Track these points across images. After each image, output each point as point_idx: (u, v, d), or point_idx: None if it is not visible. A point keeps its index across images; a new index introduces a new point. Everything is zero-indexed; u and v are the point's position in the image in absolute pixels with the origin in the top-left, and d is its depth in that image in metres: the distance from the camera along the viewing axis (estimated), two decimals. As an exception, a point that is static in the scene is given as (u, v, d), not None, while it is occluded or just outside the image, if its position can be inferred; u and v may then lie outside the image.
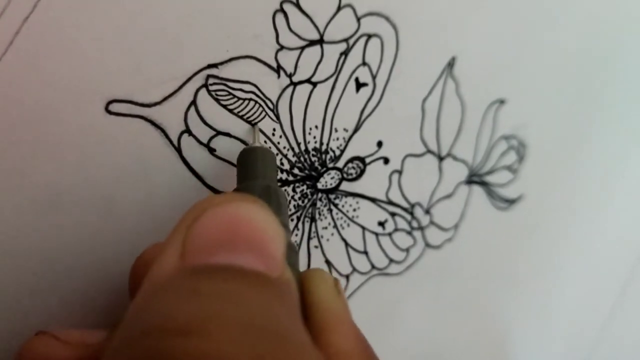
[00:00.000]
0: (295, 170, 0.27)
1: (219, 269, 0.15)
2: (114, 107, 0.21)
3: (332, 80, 0.27)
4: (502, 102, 0.34)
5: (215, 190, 0.25)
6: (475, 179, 0.36)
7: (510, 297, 0.43)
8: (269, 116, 0.25)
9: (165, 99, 0.22)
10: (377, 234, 0.32)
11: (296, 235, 0.29)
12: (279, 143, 0.26)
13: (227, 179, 0.25)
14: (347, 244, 0.31)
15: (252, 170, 0.23)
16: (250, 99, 0.25)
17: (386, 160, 0.30)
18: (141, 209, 0.24)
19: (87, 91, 0.21)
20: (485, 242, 0.38)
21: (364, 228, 0.31)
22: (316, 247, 0.30)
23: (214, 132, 0.24)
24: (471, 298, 0.40)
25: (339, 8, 0.25)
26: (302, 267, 0.30)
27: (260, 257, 0.16)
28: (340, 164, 0.29)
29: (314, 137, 0.27)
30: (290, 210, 0.28)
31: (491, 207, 0.38)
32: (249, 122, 0.25)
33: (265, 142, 0.26)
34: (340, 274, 0.32)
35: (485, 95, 0.33)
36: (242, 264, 0.15)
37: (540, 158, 0.38)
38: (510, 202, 0.39)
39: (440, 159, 0.33)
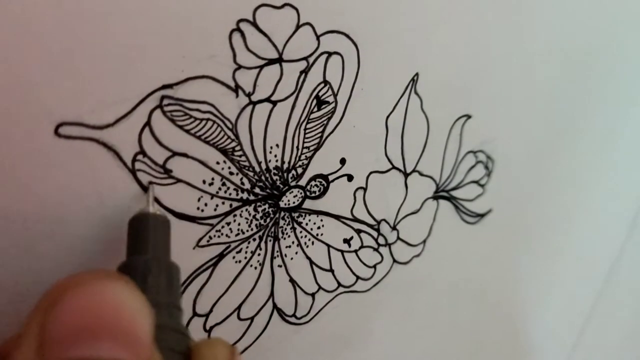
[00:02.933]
0: (257, 190, 0.27)
1: None
2: (64, 130, 0.21)
3: (292, 98, 0.26)
4: (468, 117, 0.34)
5: (171, 212, 0.25)
6: (442, 194, 0.36)
7: (481, 311, 0.43)
8: (228, 135, 0.25)
9: (118, 120, 0.22)
10: (342, 252, 0.32)
11: (259, 255, 0.29)
12: (238, 162, 0.26)
13: (185, 200, 0.25)
14: (311, 262, 0.31)
15: (142, 242, 0.21)
16: (207, 119, 0.24)
17: (350, 177, 0.30)
18: (95, 232, 0.23)
19: (35, 114, 0.20)
20: (454, 257, 0.38)
21: (329, 246, 0.31)
22: (280, 266, 0.30)
23: (170, 153, 0.24)
24: (441, 313, 0.40)
25: (298, 26, 0.25)
26: (266, 286, 0.30)
27: (124, 344, 0.14)
28: (302, 182, 0.29)
29: (275, 156, 0.27)
30: (252, 229, 0.28)
31: (460, 222, 0.38)
32: (205, 141, 0.24)
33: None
34: (306, 293, 0.31)
35: (450, 110, 0.33)
36: (105, 355, 0.14)
37: (508, 172, 0.38)
38: (479, 216, 0.39)
39: (406, 175, 0.33)
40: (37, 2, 0.19)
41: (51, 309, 0.14)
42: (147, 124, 0.23)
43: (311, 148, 0.28)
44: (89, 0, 0.20)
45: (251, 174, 0.26)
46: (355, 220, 0.32)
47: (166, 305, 0.20)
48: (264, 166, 0.27)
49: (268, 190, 0.27)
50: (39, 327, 0.14)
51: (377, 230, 0.33)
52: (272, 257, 0.29)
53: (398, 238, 0.34)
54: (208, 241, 0.26)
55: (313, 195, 0.29)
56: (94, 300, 0.14)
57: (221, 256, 0.27)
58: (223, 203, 0.26)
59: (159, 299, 0.19)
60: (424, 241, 0.36)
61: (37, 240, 0.22)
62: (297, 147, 0.27)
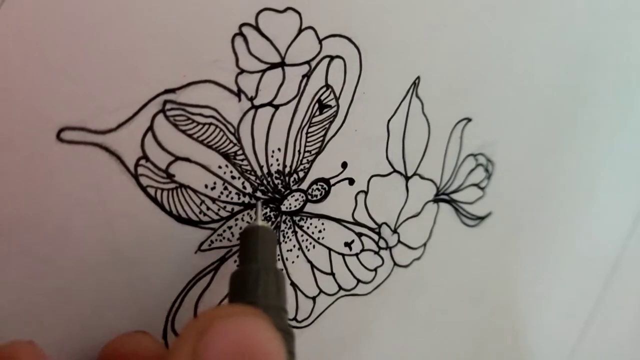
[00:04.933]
0: (258, 194, 0.27)
1: None
2: (66, 135, 0.21)
3: (294, 102, 0.26)
4: (468, 120, 0.34)
5: (173, 216, 0.25)
6: (443, 197, 0.36)
7: (481, 314, 0.43)
8: (230, 140, 0.25)
9: (120, 125, 0.22)
10: (343, 255, 0.32)
11: (260, 258, 0.29)
12: (240, 166, 0.26)
13: (187, 205, 0.25)
14: (313, 266, 0.31)
15: (253, 252, 0.24)
16: (210, 124, 0.24)
17: (351, 181, 0.30)
18: (98, 237, 0.23)
19: (38, 119, 0.20)
20: (454, 260, 0.38)
21: (330, 249, 0.31)
22: (281, 269, 0.30)
23: (172, 158, 0.24)
24: (442, 316, 0.40)
25: (300, 30, 0.25)
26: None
27: None
28: (304, 186, 0.29)
29: (277, 160, 0.27)
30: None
31: (460, 225, 0.38)
32: (207, 146, 0.24)
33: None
34: (307, 296, 0.31)
35: (451, 114, 0.33)
36: None
37: (509, 174, 0.38)
38: (479, 219, 0.39)
39: (407, 178, 0.33)
40: (39, 7, 0.19)
41: (201, 335, 0.16)
42: (150, 128, 0.23)
43: (313, 152, 0.28)
44: (92, 5, 0.20)
45: (253, 178, 0.26)
46: (357, 223, 0.32)
47: (275, 308, 0.22)
48: (265, 170, 0.27)
49: (270, 194, 0.27)
50: (192, 349, 0.16)
51: (378, 233, 0.33)
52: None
53: (399, 241, 0.34)
54: (210, 245, 0.26)
55: (314, 199, 0.29)
56: (241, 337, 0.17)
57: (223, 260, 0.27)
58: (225, 207, 0.26)
59: (268, 302, 0.22)
60: (425, 244, 0.36)
61: (39, 245, 0.22)
62: (299, 151, 0.27)
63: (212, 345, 0.16)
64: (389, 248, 0.34)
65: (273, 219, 0.28)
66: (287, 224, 0.29)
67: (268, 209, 0.28)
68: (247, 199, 0.27)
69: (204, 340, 0.16)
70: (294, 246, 0.30)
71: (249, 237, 0.25)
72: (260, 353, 0.17)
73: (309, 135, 0.27)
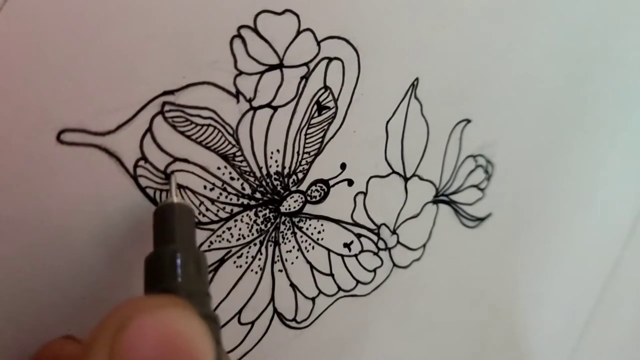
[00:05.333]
0: (257, 195, 0.27)
1: None
2: (66, 137, 0.21)
3: (293, 104, 0.26)
4: (468, 121, 0.34)
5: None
6: (442, 198, 0.36)
7: (481, 315, 0.43)
8: (229, 141, 0.25)
9: (119, 126, 0.22)
10: (342, 256, 0.32)
11: (259, 259, 0.29)
12: (239, 168, 0.26)
13: (186, 206, 0.25)
14: (312, 267, 0.31)
15: (169, 232, 0.22)
16: (209, 125, 0.24)
17: (350, 182, 0.30)
18: (97, 238, 0.23)
19: (37, 121, 0.20)
20: (454, 261, 0.38)
21: (329, 250, 0.31)
22: (280, 271, 0.30)
23: (171, 159, 0.24)
24: (441, 317, 0.40)
25: (299, 32, 0.25)
26: (267, 291, 0.30)
27: None
28: (303, 187, 0.29)
29: (276, 161, 0.27)
30: (252, 234, 0.28)
31: (459, 226, 0.38)
32: (206, 147, 0.25)
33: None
34: (306, 297, 0.31)
35: (450, 115, 0.33)
36: None
37: (508, 176, 0.38)
38: (479, 220, 0.39)
39: (406, 179, 0.33)
40: (39, 8, 0.19)
41: (120, 332, 0.15)
42: (149, 130, 0.23)
43: (312, 153, 0.28)
44: (91, 7, 0.20)
45: (252, 179, 0.27)
46: (356, 224, 0.32)
47: (197, 293, 0.20)
48: (264, 171, 0.27)
49: (269, 196, 0.28)
50: (108, 348, 0.15)
51: (377, 234, 0.33)
52: (273, 262, 0.29)
53: (398, 242, 0.34)
54: (209, 246, 0.27)
55: (313, 200, 0.29)
56: (163, 334, 0.15)
57: (222, 261, 0.27)
58: (224, 208, 0.26)
59: (190, 287, 0.20)
60: (424, 245, 0.36)
61: (38, 246, 0.22)
62: (298, 153, 0.28)
63: (131, 343, 0.15)
64: (388, 249, 0.34)
65: (272, 220, 0.28)
66: (286, 225, 0.29)
67: (267, 210, 0.28)
68: (246, 200, 0.27)
69: (121, 338, 0.15)
70: (294, 247, 0.30)
71: (164, 216, 0.22)
72: (185, 349, 0.15)
73: (307, 136, 0.28)
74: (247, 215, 0.27)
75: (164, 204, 0.23)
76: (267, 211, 0.28)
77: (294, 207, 0.29)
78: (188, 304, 0.16)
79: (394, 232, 0.34)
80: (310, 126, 0.27)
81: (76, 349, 0.22)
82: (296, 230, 0.29)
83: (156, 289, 0.20)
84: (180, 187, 0.25)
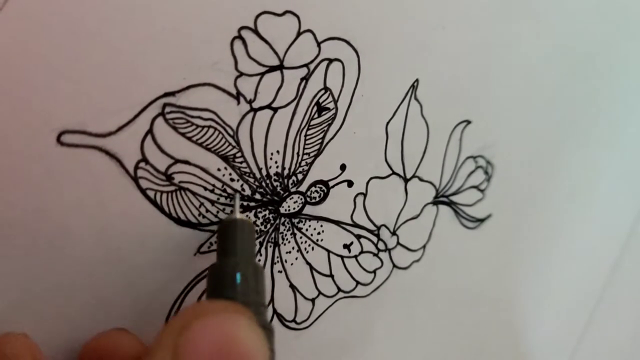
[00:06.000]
0: (257, 196, 0.27)
1: None
2: (66, 138, 0.21)
3: (293, 105, 0.26)
4: (468, 122, 0.34)
5: (172, 219, 0.25)
6: (442, 199, 0.36)
7: (481, 316, 0.43)
8: (229, 142, 0.25)
9: (120, 128, 0.22)
10: (342, 257, 0.32)
11: (259, 260, 0.29)
12: (239, 169, 0.26)
13: (186, 207, 0.25)
14: (312, 268, 0.31)
15: (231, 245, 0.23)
16: (209, 126, 0.24)
17: (350, 183, 0.30)
18: (97, 239, 0.23)
19: (37, 122, 0.20)
20: (453, 262, 0.38)
21: (329, 251, 0.31)
22: (280, 272, 0.30)
23: (172, 160, 0.24)
24: (441, 318, 0.40)
25: (299, 33, 0.25)
26: (266, 293, 0.30)
27: None
28: (303, 188, 0.29)
29: (276, 162, 0.27)
30: (252, 235, 0.28)
31: (459, 227, 0.38)
32: (207, 148, 0.25)
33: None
34: (306, 298, 0.31)
35: (450, 116, 0.33)
36: None
37: (508, 177, 0.38)
38: (479, 221, 0.39)
39: (406, 180, 0.33)
40: (39, 9, 0.19)
41: (183, 333, 0.16)
42: (150, 131, 0.23)
43: (311, 154, 0.28)
44: (91, 8, 0.20)
45: (252, 180, 0.27)
46: (355, 225, 0.32)
47: (254, 304, 0.21)
48: (264, 172, 0.27)
49: (268, 197, 0.28)
50: (172, 349, 0.16)
51: (377, 235, 0.33)
52: (273, 263, 0.29)
53: (398, 243, 0.34)
54: (209, 247, 0.27)
55: (313, 201, 0.29)
56: (224, 336, 0.16)
57: (222, 262, 0.27)
58: (224, 209, 0.26)
59: (248, 298, 0.21)
60: (424, 246, 0.36)
61: (39, 247, 0.22)
62: (298, 154, 0.28)
63: (193, 343, 0.16)
64: (388, 250, 0.34)
65: (272, 221, 0.28)
66: (286, 226, 0.29)
67: (267, 211, 0.28)
68: (246, 202, 0.27)
69: (184, 338, 0.16)
70: (293, 248, 0.30)
71: (227, 230, 0.24)
72: (242, 352, 0.16)
73: (307, 137, 0.28)
74: (247, 216, 0.27)
75: (227, 219, 0.24)
76: (267, 212, 0.28)
77: (294, 208, 0.29)
78: (247, 310, 0.18)
79: (393, 233, 0.34)
80: (310, 127, 0.27)
81: (133, 343, 0.23)
82: (296, 231, 0.29)
83: (216, 298, 0.22)
84: (180, 188, 0.25)
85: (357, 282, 0.33)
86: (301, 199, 0.29)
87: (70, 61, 0.20)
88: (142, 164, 0.23)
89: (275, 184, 0.27)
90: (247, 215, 0.27)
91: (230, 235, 0.24)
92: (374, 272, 0.34)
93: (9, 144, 0.20)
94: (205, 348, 0.16)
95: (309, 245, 0.30)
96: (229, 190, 0.26)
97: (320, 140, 0.28)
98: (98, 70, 0.21)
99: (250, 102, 0.25)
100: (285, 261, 0.30)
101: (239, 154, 0.26)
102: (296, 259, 0.30)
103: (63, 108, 0.21)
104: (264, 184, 0.27)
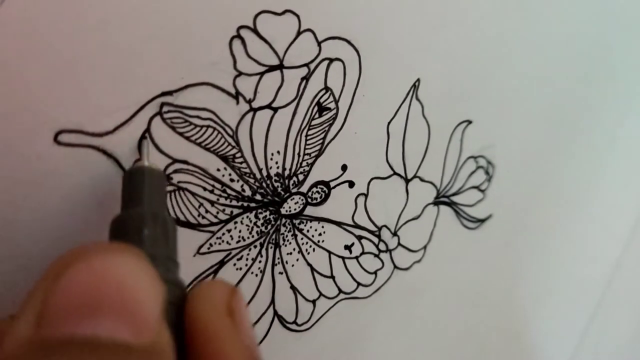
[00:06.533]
0: (258, 197, 0.27)
1: (75, 343, 0.13)
2: (64, 138, 0.21)
3: (293, 105, 0.26)
4: (469, 122, 0.34)
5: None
6: (443, 199, 0.35)
7: (482, 316, 0.42)
8: (228, 142, 0.25)
9: (117, 127, 0.22)
10: (343, 258, 0.32)
11: (260, 262, 0.28)
12: (239, 169, 0.26)
13: (185, 208, 0.25)
14: (312, 269, 0.31)
15: (137, 195, 0.21)
16: (208, 126, 0.24)
17: (351, 184, 0.30)
18: (94, 239, 0.23)
19: (34, 122, 0.20)
20: (454, 262, 0.38)
21: (330, 252, 0.31)
22: (281, 273, 0.29)
23: (170, 161, 0.24)
24: (442, 318, 0.40)
25: (299, 33, 0.25)
26: (267, 293, 0.29)
27: (128, 322, 0.13)
28: (304, 189, 0.28)
29: (276, 163, 0.27)
30: (253, 236, 0.28)
31: (460, 227, 0.38)
32: (206, 148, 0.24)
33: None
34: (307, 299, 0.31)
35: (451, 116, 0.33)
36: (105, 333, 0.13)
37: (509, 177, 0.38)
38: (480, 221, 0.38)
39: (407, 181, 0.33)
40: (37, 9, 0.19)
41: (53, 282, 0.13)
42: (147, 131, 0.23)
43: (312, 155, 0.28)
44: (89, 8, 0.20)
45: (252, 180, 0.26)
46: (356, 226, 0.31)
47: (162, 257, 0.19)
48: (265, 173, 0.27)
49: (269, 197, 0.27)
50: (40, 300, 0.13)
51: (378, 236, 0.33)
52: (273, 264, 0.29)
53: (399, 244, 0.34)
54: (209, 248, 0.26)
55: (314, 201, 0.29)
56: (98, 274, 0.14)
57: (222, 263, 0.27)
58: (224, 210, 0.26)
59: (155, 251, 0.19)
60: (425, 247, 0.36)
61: (36, 247, 0.22)
62: (299, 154, 0.27)
63: (61, 292, 0.13)
64: (389, 251, 0.34)
65: (273, 222, 0.28)
66: (287, 227, 0.29)
67: (268, 212, 0.28)
68: (246, 202, 0.27)
69: (54, 288, 0.13)
70: (294, 249, 0.29)
71: (132, 179, 0.21)
72: (123, 297, 0.14)
73: (308, 137, 0.27)
74: (247, 217, 0.27)
75: (134, 167, 0.22)
76: (268, 213, 0.28)
77: (295, 209, 0.29)
78: (139, 251, 0.15)
79: (394, 234, 0.33)
80: (311, 127, 0.27)
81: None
82: (297, 232, 0.29)
83: None
84: (179, 188, 0.24)
85: (358, 283, 0.33)
86: (302, 200, 0.29)
87: (68, 60, 0.20)
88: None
89: (276, 184, 0.27)
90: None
91: (137, 184, 0.21)
92: (375, 273, 0.34)
93: (5, 144, 0.20)
94: (75, 295, 0.13)
95: (310, 246, 0.30)
96: (229, 191, 0.26)
97: (321, 141, 0.28)
98: (95, 69, 0.21)
99: (249, 101, 0.25)
100: (286, 262, 0.29)
101: (238, 154, 0.25)
102: (297, 260, 0.30)
103: (60, 107, 0.20)
104: (264, 184, 0.27)
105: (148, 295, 0.14)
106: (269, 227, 0.28)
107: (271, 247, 0.29)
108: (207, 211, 0.26)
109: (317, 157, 0.28)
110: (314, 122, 0.27)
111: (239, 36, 0.23)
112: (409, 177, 0.33)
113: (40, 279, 0.14)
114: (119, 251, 0.14)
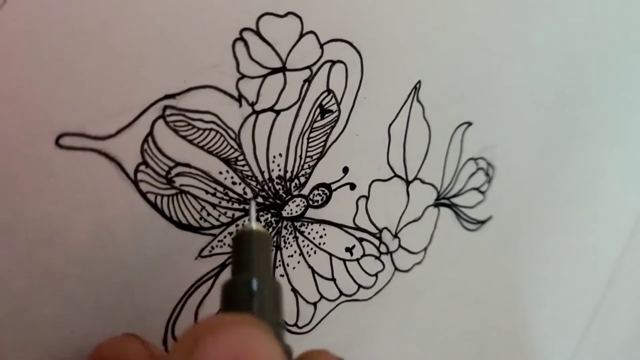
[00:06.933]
0: (259, 199, 0.27)
1: None
2: (65, 141, 0.21)
3: (295, 107, 0.26)
4: (469, 124, 0.34)
5: (173, 222, 0.24)
6: (443, 201, 0.35)
7: (482, 317, 0.43)
8: (231, 145, 0.25)
9: (120, 131, 0.22)
10: (344, 260, 0.32)
11: (261, 264, 0.28)
12: (241, 172, 0.26)
13: (187, 211, 0.25)
14: (314, 272, 0.31)
15: (246, 260, 0.22)
16: (210, 129, 0.24)
17: (352, 186, 0.30)
18: (97, 243, 0.23)
19: (36, 125, 0.20)
20: (455, 264, 0.38)
21: (331, 255, 0.31)
22: (282, 275, 0.29)
23: (173, 163, 0.24)
24: (443, 320, 0.40)
25: (301, 35, 0.25)
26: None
27: None
28: (305, 191, 0.28)
29: (278, 165, 0.27)
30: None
31: (460, 229, 0.37)
32: (208, 151, 0.24)
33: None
34: (308, 302, 0.31)
35: (452, 118, 0.33)
36: None
37: (509, 178, 0.38)
38: (480, 223, 0.38)
39: (408, 182, 0.33)
40: (39, 12, 0.19)
41: (194, 350, 0.15)
42: (150, 134, 0.22)
43: (314, 157, 0.28)
44: (92, 10, 0.20)
45: (254, 183, 0.26)
46: (358, 228, 0.31)
47: (272, 324, 0.19)
48: (266, 175, 0.27)
49: (271, 200, 0.27)
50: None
51: (379, 238, 0.33)
52: (275, 267, 0.29)
53: (399, 246, 0.34)
54: (210, 251, 0.26)
55: (316, 204, 0.29)
56: (235, 350, 0.15)
57: (223, 266, 0.27)
58: (225, 213, 0.26)
59: (265, 318, 0.19)
60: (425, 249, 0.36)
61: (38, 250, 0.22)
62: (300, 156, 0.27)
63: (206, 355, 0.15)
64: (389, 253, 0.34)
65: (274, 225, 0.28)
66: (288, 230, 0.29)
67: (269, 215, 0.28)
68: (248, 205, 0.26)
69: (197, 354, 0.15)
70: (295, 252, 0.29)
71: (241, 243, 0.22)
72: None
73: (310, 140, 0.27)
74: (263, 225, 0.27)
75: (242, 231, 0.23)
76: (269, 215, 0.28)
77: (296, 212, 0.28)
78: (262, 322, 0.17)
79: (395, 236, 0.33)
80: (312, 130, 0.27)
81: (142, 349, 0.23)
82: (298, 234, 0.29)
83: None
84: (181, 191, 0.24)
85: (359, 286, 0.33)
86: (304, 202, 0.28)
87: (70, 63, 0.20)
88: (142, 167, 0.23)
89: (277, 187, 0.27)
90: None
91: (246, 248, 0.22)
92: (376, 275, 0.34)
93: (8, 147, 0.20)
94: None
95: (311, 248, 0.30)
96: (231, 194, 0.26)
97: (322, 143, 0.28)
98: (97, 72, 0.21)
99: (252, 104, 0.25)
100: (287, 265, 0.29)
101: (241, 157, 0.25)
102: (298, 262, 0.30)
103: (62, 110, 0.20)
104: (266, 187, 0.27)
105: None
106: (270, 229, 0.28)
107: (272, 250, 0.28)
108: (209, 214, 0.25)
109: (318, 159, 0.28)
110: (316, 125, 0.27)
111: (241, 39, 0.23)
112: (410, 179, 0.32)
113: (173, 350, 0.16)
114: (249, 325, 0.16)
